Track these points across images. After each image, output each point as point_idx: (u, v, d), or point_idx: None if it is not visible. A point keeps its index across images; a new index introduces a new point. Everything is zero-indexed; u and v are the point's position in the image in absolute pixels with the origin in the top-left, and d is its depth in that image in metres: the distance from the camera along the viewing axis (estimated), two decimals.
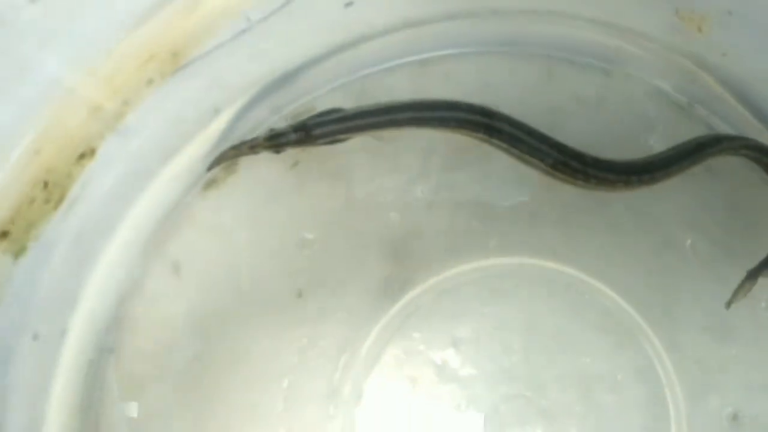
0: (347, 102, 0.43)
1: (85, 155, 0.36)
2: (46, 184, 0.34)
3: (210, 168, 0.41)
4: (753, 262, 0.40)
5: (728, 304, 0.39)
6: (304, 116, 0.42)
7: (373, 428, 0.42)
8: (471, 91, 0.42)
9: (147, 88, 0.37)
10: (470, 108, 0.40)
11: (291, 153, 0.42)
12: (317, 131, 0.41)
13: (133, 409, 0.39)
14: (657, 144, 0.41)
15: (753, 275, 0.39)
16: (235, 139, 0.42)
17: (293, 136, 0.40)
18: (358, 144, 0.42)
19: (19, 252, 0.34)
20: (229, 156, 0.41)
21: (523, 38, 0.41)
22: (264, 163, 0.42)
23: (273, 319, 0.42)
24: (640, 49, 0.41)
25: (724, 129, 0.42)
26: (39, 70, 0.30)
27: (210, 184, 0.42)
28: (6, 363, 0.35)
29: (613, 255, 0.42)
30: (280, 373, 0.41)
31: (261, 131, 0.42)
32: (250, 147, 0.40)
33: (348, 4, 0.42)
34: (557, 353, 0.41)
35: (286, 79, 0.44)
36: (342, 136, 0.41)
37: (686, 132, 0.41)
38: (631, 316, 0.41)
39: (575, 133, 0.40)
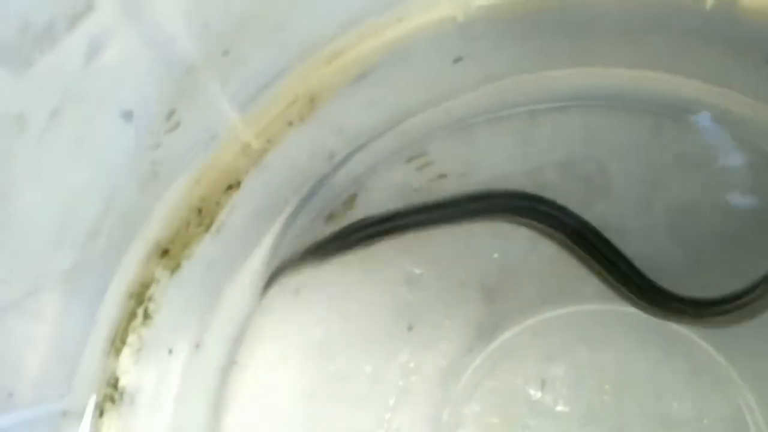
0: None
1: (232, 186, 0.40)
2: (200, 210, 0.38)
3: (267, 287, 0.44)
4: None
5: None
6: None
7: None
8: (575, 144, 0.44)
9: (287, 128, 0.42)
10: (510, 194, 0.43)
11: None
12: (358, 236, 0.44)
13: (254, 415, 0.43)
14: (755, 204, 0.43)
15: None
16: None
17: (334, 245, 0.44)
18: None
19: (174, 269, 0.38)
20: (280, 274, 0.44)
21: (631, 93, 0.44)
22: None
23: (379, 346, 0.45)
24: (750, 111, 0.43)
25: None
26: (216, 112, 0.35)
27: (330, 217, 0.46)
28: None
29: None
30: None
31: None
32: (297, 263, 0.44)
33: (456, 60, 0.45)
34: (647, 397, 0.43)
35: (397, 125, 0.47)
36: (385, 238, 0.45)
37: None
38: (724, 367, 0.43)
39: (677, 191, 0.42)
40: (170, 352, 0.41)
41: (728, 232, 0.43)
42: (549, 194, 0.43)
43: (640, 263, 0.42)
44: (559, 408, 0.44)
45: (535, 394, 0.45)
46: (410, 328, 0.45)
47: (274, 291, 0.44)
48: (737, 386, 0.43)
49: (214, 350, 0.42)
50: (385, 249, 0.45)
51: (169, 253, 0.37)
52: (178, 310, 0.39)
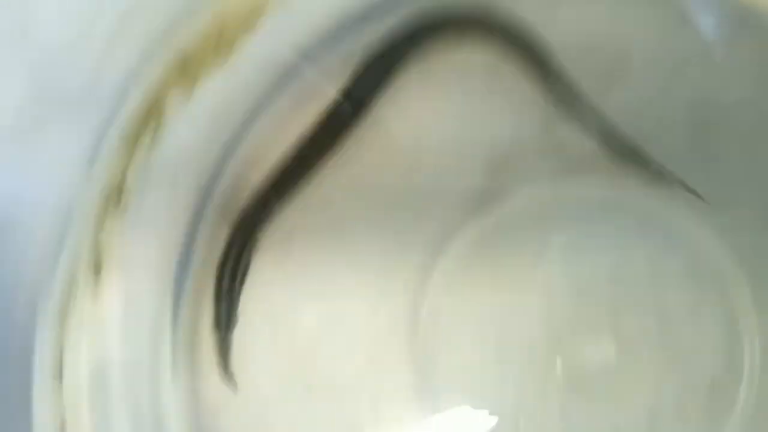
0: None
1: None
2: None
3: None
4: None
5: None
6: None
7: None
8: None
9: None
10: None
11: None
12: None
13: None
14: None
15: None
16: None
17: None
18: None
19: None
20: None
21: None
22: None
23: None
24: None
25: None
26: None
27: None
28: None
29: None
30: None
31: None
32: None
33: None
34: (641, 285, 0.44)
35: None
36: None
37: None
38: (723, 263, 0.43)
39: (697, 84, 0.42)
40: None
41: (745, 129, 0.43)
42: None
43: (656, 153, 0.42)
44: (552, 285, 0.44)
45: (529, 270, 0.45)
46: None
47: None
48: (734, 283, 0.43)
49: None
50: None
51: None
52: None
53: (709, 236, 0.43)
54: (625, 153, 0.43)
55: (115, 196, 0.39)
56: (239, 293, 0.44)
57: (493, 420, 0.44)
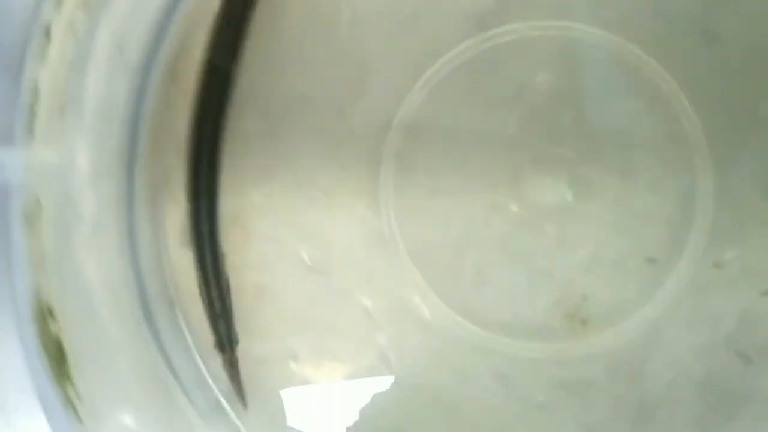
0: None
1: None
2: None
3: None
4: None
5: None
6: None
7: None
8: None
9: None
10: None
11: None
12: None
13: None
14: None
15: None
16: None
17: None
18: None
19: None
20: None
21: None
22: None
23: None
24: None
25: None
26: None
27: None
28: None
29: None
30: None
31: None
32: None
33: None
34: (614, 141, 0.43)
35: None
36: None
37: None
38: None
39: None
40: None
41: None
42: None
43: None
44: (526, 124, 0.43)
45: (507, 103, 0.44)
46: None
47: None
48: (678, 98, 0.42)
49: None
50: None
51: None
52: None
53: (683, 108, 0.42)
54: None
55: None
56: (231, 310, 0.43)
57: (439, 243, 0.44)
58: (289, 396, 0.43)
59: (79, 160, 0.39)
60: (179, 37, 0.43)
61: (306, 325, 0.44)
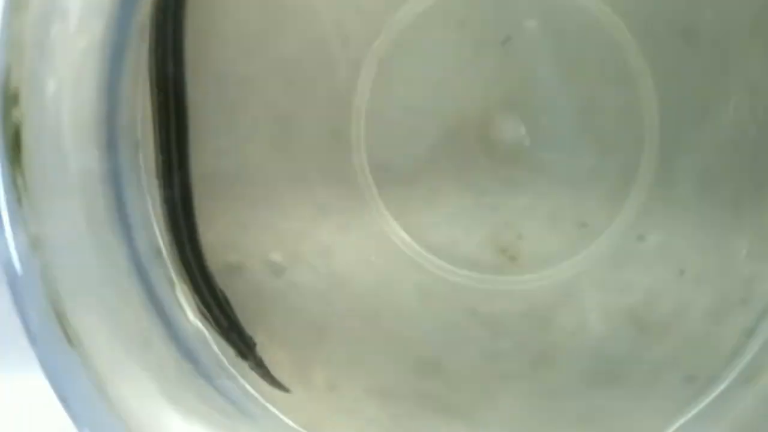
0: None
1: None
2: None
3: None
4: None
5: None
6: None
7: None
8: None
9: None
10: None
11: None
12: None
13: None
14: None
15: None
16: None
17: None
18: None
19: None
20: None
21: None
22: None
23: None
24: None
25: None
26: None
27: None
28: None
29: None
30: None
31: None
32: None
33: None
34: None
35: None
36: None
37: None
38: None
39: None
40: None
41: None
42: None
43: None
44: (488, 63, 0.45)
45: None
46: None
47: None
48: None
49: None
50: None
51: None
52: None
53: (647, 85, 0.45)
54: None
55: None
56: (236, 317, 0.44)
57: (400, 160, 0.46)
58: None
59: None
60: None
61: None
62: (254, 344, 0.44)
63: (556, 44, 0.45)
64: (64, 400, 0.37)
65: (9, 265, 0.35)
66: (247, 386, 0.43)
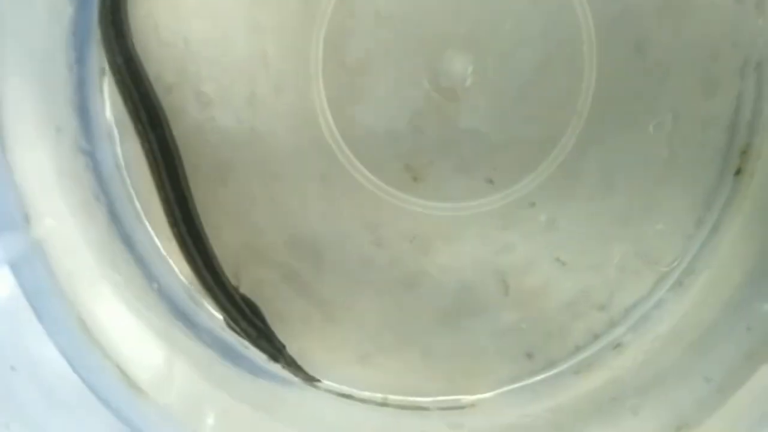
0: None
1: None
2: None
3: None
4: None
5: None
6: None
7: None
8: None
9: None
10: None
11: None
12: None
13: None
14: None
15: None
16: None
17: None
18: None
19: None
20: None
21: None
22: None
23: None
24: None
25: None
26: None
27: None
28: None
29: None
30: None
31: None
32: None
33: None
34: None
35: None
36: None
37: None
38: None
39: None
40: None
41: None
42: None
43: None
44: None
45: None
46: None
47: None
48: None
49: None
50: None
51: None
52: None
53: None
54: None
55: None
56: (265, 325, 0.47)
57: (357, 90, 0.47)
58: None
59: None
60: None
61: None
62: (283, 347, 0.47)
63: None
64: None
65: None
66: None
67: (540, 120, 0.49)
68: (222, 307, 0.47)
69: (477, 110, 0.48)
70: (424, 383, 0.49)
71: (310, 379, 0.47)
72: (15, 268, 0.39)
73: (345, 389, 0.48)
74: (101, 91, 0.45)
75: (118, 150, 0.46)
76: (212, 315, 0.48)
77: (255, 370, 0.49)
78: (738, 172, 0.49)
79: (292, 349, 0.46)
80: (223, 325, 0.48)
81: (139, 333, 0.46)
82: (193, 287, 0.48)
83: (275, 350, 0.47)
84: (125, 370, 0.43)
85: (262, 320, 0.47)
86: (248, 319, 0.47)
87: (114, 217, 0.45)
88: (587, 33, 0.47)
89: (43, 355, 0.40)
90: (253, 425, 0.46)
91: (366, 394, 0.48)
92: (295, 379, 0.48)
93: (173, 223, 0.44)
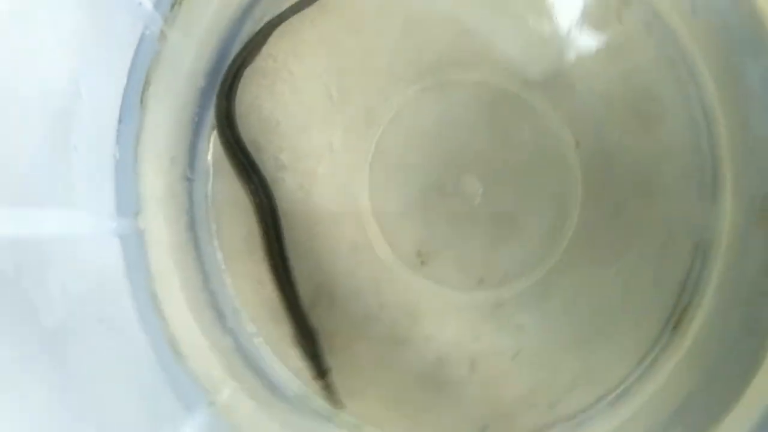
0: None
1: None
2: None
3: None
4: None
5: None
6: None
7: None
8: None
9: None
10: None
11: None
12: None
13: None
14: None
15: None
16: None
17: None
18: None
19: None
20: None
21: None
22: None
23: None
24: None
25: None
26: None
27: None
28: None
29: None
30: None
31: None
32: None
33: None
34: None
35: None
36: None
37: None
38: None
39: None
40: None
41: None
42: None
43: None
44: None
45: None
46: None
47: None
48: None
49: None
50: None
51: None
52: None
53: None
54: None
55: None
56: (320, 346, 0.57)
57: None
58: None
59: None
60: None
61: None
62: (329, 369, 0.57)
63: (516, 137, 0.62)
64: None
65: None
66: None
67: (528, 243, 0.62)
68: (295, 323, 0.57)
69: (480, 223, 0.62)
70: (388, 425, 0.60)
71: (340, 405, 0.57)
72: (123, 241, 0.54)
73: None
74: (209, 139, 0.61)
75: (210, 185, 0.61)
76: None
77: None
78: (676, 325, 0.61)
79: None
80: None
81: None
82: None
83: (322, 371, 0.56)
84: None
85: (315, 342, 0.57)
86: (308, 337, 0.57)
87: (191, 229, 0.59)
88: (574, 196, 0.61)
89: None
90: None
91: (343, 418, 0.59)
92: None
93: (270, 254, 0.58)
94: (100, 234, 0.52)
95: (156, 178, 0.58)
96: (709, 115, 0.61)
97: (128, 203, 0.57)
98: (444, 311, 0.61)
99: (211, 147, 0.60)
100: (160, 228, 0.57)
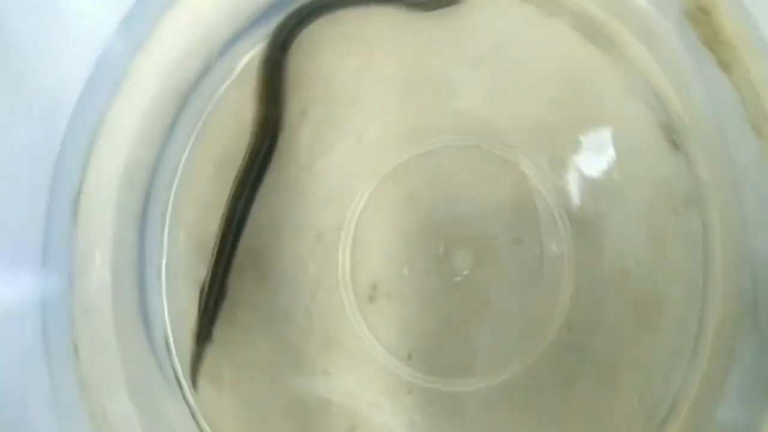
0: None
1: None
2: None
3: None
4: None
5: None
6: None
7: None
8: None
9: None
10: None
11: None
12: None
13: None
14: None
15: None
16: None
17: None
18: None
19: None
20: None
21: None
22: None
23: None
24: None
25: None
26: None
27: None
28: None
29: None
30: None
31: None
32: None
33: None
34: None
35: None
36: None
37: None
38: None
39: None
40: None
41: None
42: None
43: None
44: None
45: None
46: None
47: None
48: None
49: None
50: None
51: None
52: None
53: None
54: None
55: None
56: (215, 319, 0.57)
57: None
58: None
59: None
60: None
61: None
62: (211, 339, 0.57)
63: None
64: None
65: None
66: None
67: (514, 343, 0.61)
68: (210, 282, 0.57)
69: (472, 293, 0.61)
70: None
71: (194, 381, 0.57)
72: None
73: None
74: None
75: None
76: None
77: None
78: None
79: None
80: None
81: None
82: None
83: (205, 333, 0.56)
84: None
85: (218, 307, 0.57)
86: (215, 301, 0.56)
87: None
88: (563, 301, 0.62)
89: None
90: None
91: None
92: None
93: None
94: None
95: None
96: None
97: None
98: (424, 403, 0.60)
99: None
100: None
